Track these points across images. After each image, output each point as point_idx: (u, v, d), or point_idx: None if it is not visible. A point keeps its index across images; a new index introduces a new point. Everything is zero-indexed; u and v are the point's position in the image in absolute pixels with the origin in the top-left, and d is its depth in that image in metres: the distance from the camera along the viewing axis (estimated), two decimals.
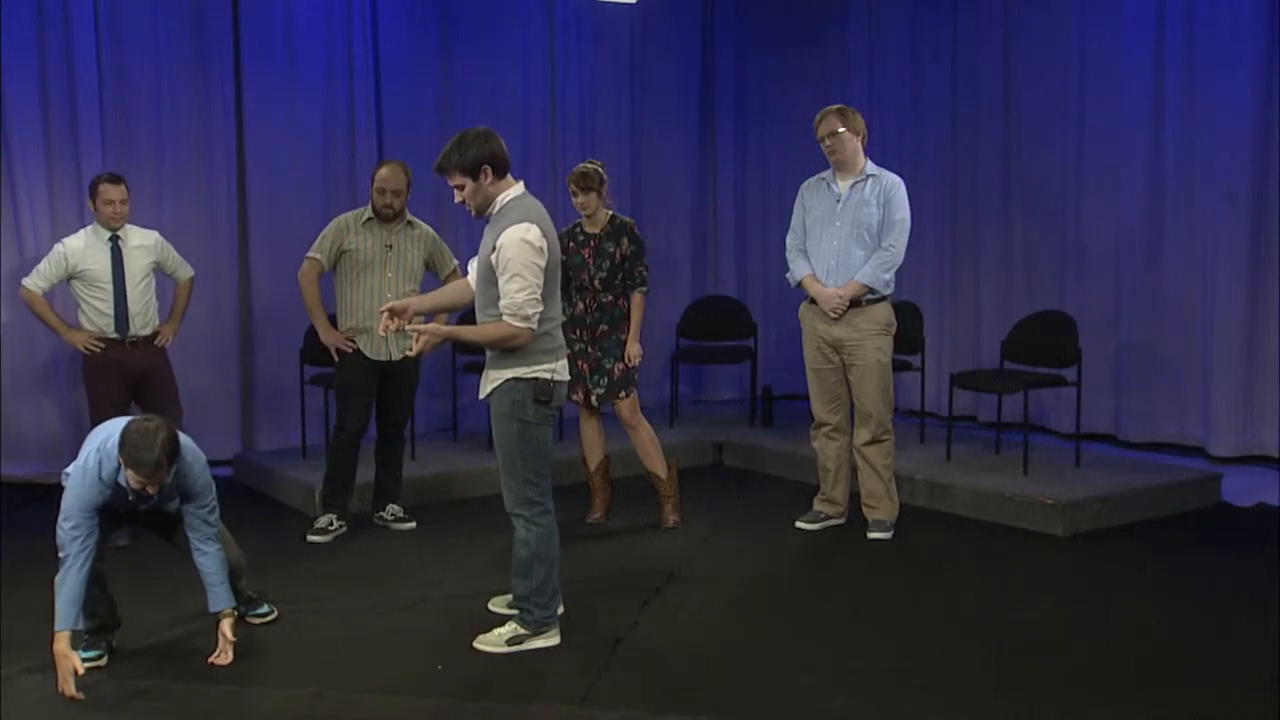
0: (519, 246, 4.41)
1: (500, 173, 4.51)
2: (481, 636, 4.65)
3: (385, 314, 4.54)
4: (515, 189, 4.56)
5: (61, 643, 4.25)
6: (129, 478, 4.27)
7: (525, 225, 4.44)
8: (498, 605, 5.04)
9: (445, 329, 4.58)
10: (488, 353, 4.63)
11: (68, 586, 4.31)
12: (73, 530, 4.35)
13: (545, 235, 4.49)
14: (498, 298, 4.48)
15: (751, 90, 9.57)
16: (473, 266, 4.74)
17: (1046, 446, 7.36)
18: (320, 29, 7.97)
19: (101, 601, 4.59)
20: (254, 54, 7.79)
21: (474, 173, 4.45)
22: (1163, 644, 4.67)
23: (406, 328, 4.53)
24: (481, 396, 4.67)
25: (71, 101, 7.28)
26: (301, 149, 7.96)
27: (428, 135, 8.32)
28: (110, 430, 4.44)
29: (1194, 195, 7.42)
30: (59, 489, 7.09)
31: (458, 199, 4.52)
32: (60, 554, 4.37)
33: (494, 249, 4.44)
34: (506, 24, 8.59)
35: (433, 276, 6.45)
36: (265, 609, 4.97)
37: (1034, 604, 5.14)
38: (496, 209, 4.53)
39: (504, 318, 4.45)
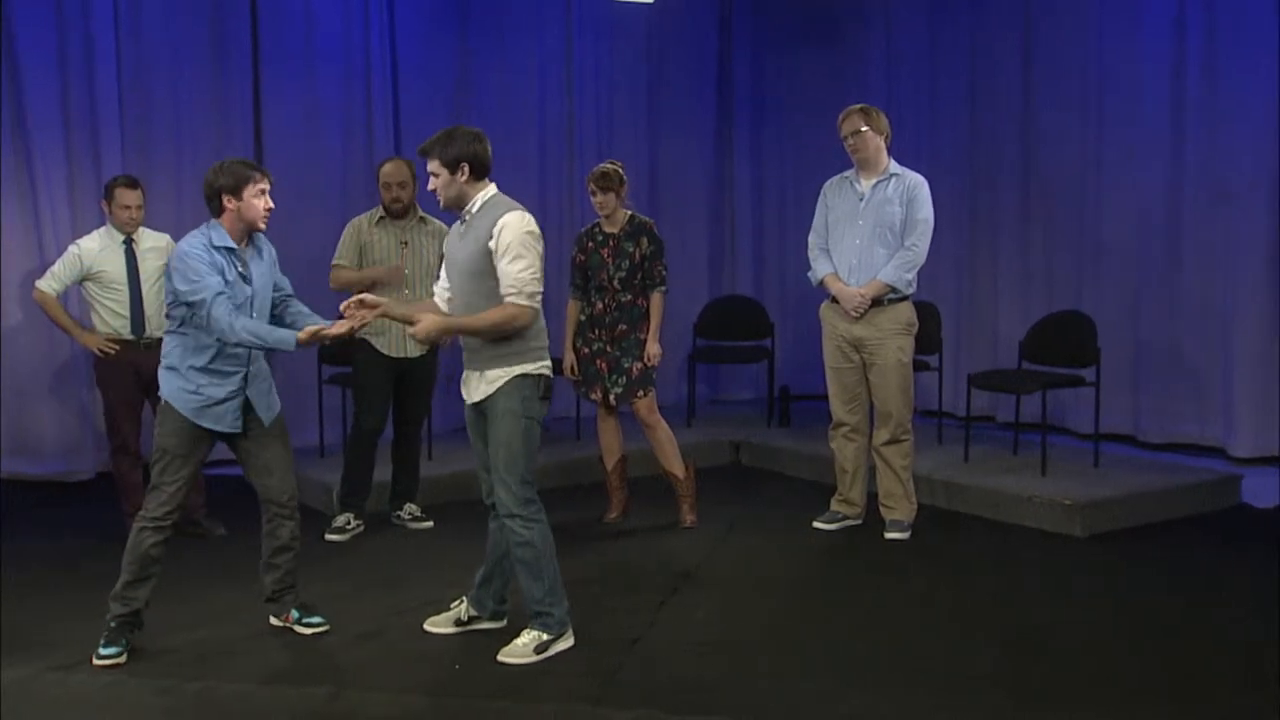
0: (520, 232, 4.46)
1: (479, 175, 4.53)
2: (505, 650, 4.56)
3: (356, 303, 4.55)
4: (491, 189, 4.58)
5: (306, 334, 4.47)
6: (253, 196, 4.53)
7: (521, 214, 4.50)
8: (440, 625, 4.89)
9: (444, 320, 4.52)
10: (479, 353, 4.55)
11: (255, 326, 4.45)
12: (221, 302, 4.43)
13: None
14: (490, 291, 4.48)
15: (768, 89, 9.56)
16: (439, 289, 4.76)
17: (1065, 447, 7.33)
18: (338, 31, 8.00)
19: (147, 586, 4.63)
20: (272, 55, 7.81)
21: (452, 167, 4.49)
22: (1181, 646, 4.64)
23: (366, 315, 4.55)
24: (478, 399, 4.57)
25: (91, 102, 7.31)
26: (319, 150, 7.98)
27: None
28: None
29: (1213, 194, 7.36)
30: (76, 487, 7.26)
31: (431, 185, 4.54)
32: (219, 326, 4.44)
33: (490, 236, 4.44)
34: (524, 24, 8.60)
35: None
36: (318, 619, 4.90)
37: (1051, 605, 5.13)
38: (477, 207, 4.54)
39: (507, 299, 4.45)
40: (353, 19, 8.03)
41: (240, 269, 4.59)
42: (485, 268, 4.48)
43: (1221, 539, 6.10)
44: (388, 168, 6.29)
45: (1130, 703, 4.12)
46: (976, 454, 7.10)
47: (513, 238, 4.44)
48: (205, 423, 4.60)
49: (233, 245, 4.58)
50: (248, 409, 4.69)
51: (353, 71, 8.05)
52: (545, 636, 4.57)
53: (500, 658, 4.54)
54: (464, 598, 4.91)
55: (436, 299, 4.79)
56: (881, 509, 6.20)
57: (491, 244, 4.45)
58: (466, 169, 4.49)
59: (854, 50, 9.18)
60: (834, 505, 6.38)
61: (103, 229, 6.32)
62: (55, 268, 6.26)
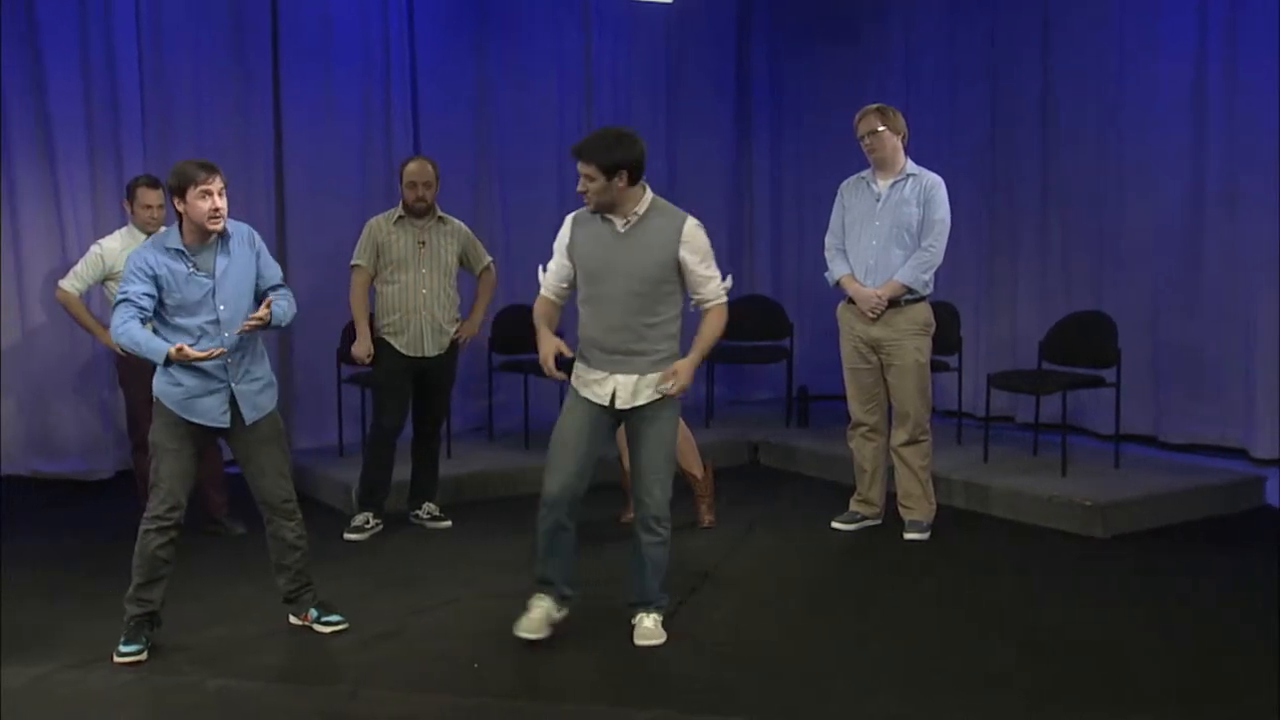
0: (703, 236, 4.57)
1: (635, 179, 4.49)
2: (642, 635, 4.66)
3: (556, 372, 4.59)
4: (649, 195, 4.56)
5: (176, 352, 4.39)
6: (195, 198, 4.48)
7: (695, 219, 4.58)
8: (534, 629, 4.69)
9: (691, 360, 4.54)
10: (638, 358, 4.56)
11: (138, 335, 4.43)
12: (124, 307, 4.46)
13: None
14: (664, 296, 4.54)
15: (787, 89, 9.55)
16: (556, 287, 4.70)
17: (1085, 448, 7.31)
18: (358, 32, 8.02)
19: (159, 588, 4.64)
20: (292, 56, 7.84)
21: (610, 173, 4.42)
22: (1202, 648, 4.62)
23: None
24: (639, 403, 4.57)
25: (113, 104, 7.36)
26: (339, 149, 8.00)
27: (464, 135, 8.37)
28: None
29: (1235, 193, 7.33)
30: (96, 486, 7.31)
31: (581, 187, 4.49)
32: (112, 327, 4.52)
33: (679, 243, 4.51)
34: (542, 24, 8.61)
35: (466, 273, 6.47)
36: (337, 618, 4.91)
37: (1071, 606, 5.11)
38: (642, 210, 4.53)
39: (714, 302, 4.61)
40: (371, 19, 8.06)
41: (193, 267, 4.57)
42: (667, 274, 4.53)
43: (1243, 541, 6.06)
44: (412, 166, 6.29)
45: (1149, 705, 4.09)
46: (996, 454, 7.08)
47: (705, 244, 4.57)
48: (191, 416, 4.61)
49: (181, 247, 4.56)
50: (235, 405, 4.69)
51: (372, 71, 8.08)
52: (662, 615, 4.77)
53: (645, 642, 4.64)
54: (545, 596, 4.74)
55: (553, 297, 4.74)
56: (900, 509, 6.19)
57: (683, 252, 4.51)
58: (625, 175, 4.44)
59: (873, 51, 9.16)
60: (853, 505, 6.37)
61: (124, 229, 6.36)
62: (78, 268, 6.29)
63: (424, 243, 6.26)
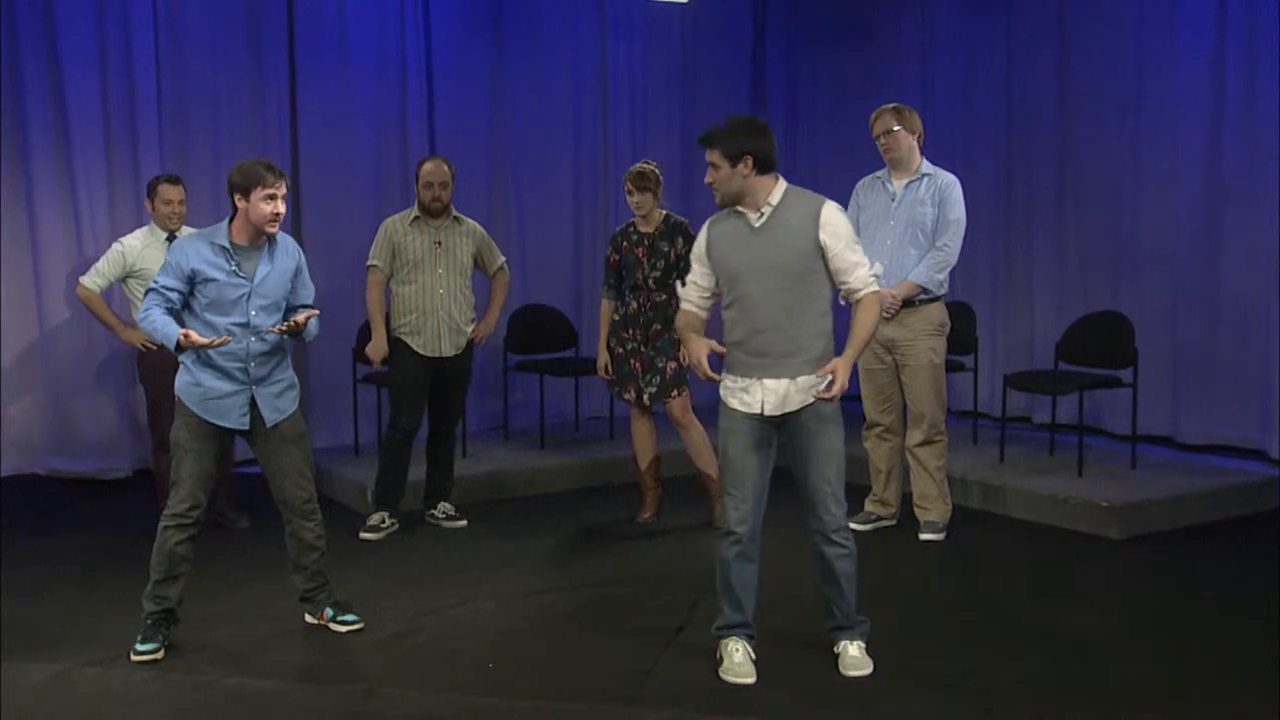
0: (844, 219, 4.31)
1: (763, 169, 4.28)
2: (850, 665, 4.36)
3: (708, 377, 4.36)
4: (782, 185, 4.34)
5: (184, 338, 4.46)
6: (259, 199, 4.55)
7: (834, 202, 4.34)
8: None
9: (847, 359, 4.21)
10: (790, 358, 4.29)
11: (158, 320, 4.50)
12: (152, 295, 4.56)
13: None
14: (814, 289, 4.29)
15: (802, 89, 9.54)
16: (698, 297, 4.45)
17: (1102, 448, 7.28)
18: (374, 30, 8.04)
19: (177, 585, 4.66)
20: (308, 55, 7.86)
21: (734, 160, 4.26)
22: (1219, 651, 4.60)
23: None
24: (793, 409, 4.31)
25: (130, 102, 7.39)
26: (354, 148, 8.02)
27: (479, 135, 8.38)
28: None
29: (1253, 193, 7.29)
30: (113, 484, 7.33)
31: (709, 178, 4.34)
32: (140, 311, 4.62)
33: (818, 228, 4.23)
34: (558, 24, 8.63)
35: (480, 273, 6.48)
36: (352, 618, 4.92)
37: (1088, 608, 5.09)
38: (776, 201, 4.30)
39: (867, 290, 4.29)
40: (388, 18, 8.08)
41: (235, 266, 4.61)
42: (810, 264, 4.27)
43: (1261, 542, 6.03)
44: (428, 167, 6.30)
45: (1163, 706, 4.08)
46: (1012, 455, 7.06)
47: (847, 227, 4.31)
48: (209, 416, 4.64)
49: (228, 244, 4.61)
50: (256, 408, 4.71)
51: (388, 71, 8.10)
52: (864, 641, 4.46)
53: (854, 672, 4.35)
54: (737, 638, 4.43)
55: (695, 308, 4.48)
56: (916, 510, 6.18)
57: (823, 236, 4.25)
58: (750, 161, 4.24)
59: (888, 51, 9.14)
60: (868, 506, 6.36)
61: (145, 227, 6.40)
62: (99, 265, 6.33)
63: (440, 243, 6.27)
